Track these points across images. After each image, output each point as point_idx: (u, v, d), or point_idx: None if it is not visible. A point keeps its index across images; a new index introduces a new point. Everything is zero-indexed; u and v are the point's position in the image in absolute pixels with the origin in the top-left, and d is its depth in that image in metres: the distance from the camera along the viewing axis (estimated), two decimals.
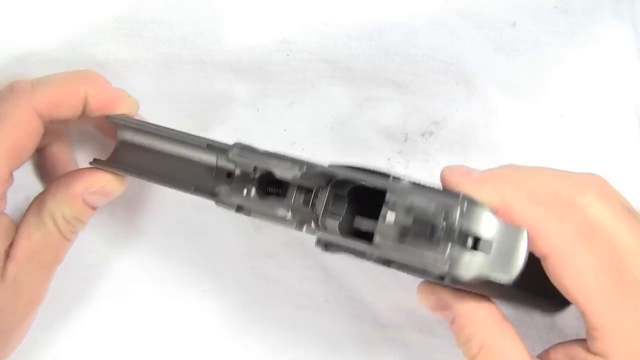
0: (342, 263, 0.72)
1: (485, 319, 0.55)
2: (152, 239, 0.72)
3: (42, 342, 0.72)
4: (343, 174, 0.53)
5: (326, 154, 0.72)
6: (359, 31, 0.70)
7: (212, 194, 0.57)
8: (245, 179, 0.57)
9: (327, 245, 0.53)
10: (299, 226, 0.55)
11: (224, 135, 0.69)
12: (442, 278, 0.50)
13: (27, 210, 0.62)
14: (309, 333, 0.72)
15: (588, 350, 0.55)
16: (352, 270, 0.72)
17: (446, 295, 0.57)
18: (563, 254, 0.52)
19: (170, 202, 0.72)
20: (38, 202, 0.62)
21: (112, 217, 0.72)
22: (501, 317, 0.56)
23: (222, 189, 0.57)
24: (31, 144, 0.61)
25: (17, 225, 0.62)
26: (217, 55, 0.70)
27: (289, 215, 0.55)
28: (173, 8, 0.69)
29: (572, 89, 0.71)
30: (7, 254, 0.61)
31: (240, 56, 0.70)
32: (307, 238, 0.71)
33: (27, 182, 0.70)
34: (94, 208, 0.63)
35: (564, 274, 0.53)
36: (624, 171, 0.71)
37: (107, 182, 0.63)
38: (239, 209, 0.56)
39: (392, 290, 0.71)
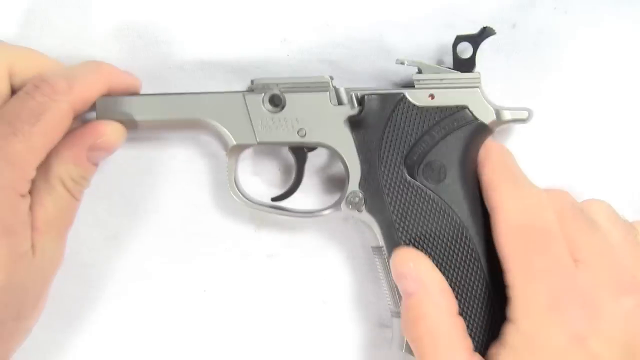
0: (342, 263, 0.72)
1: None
2: (152, 239, 0.72)
3: (42, 342, 0.72)
4: None
5: None
6: (359, 32, 0.70)
7: None
8: None
9: None
10: None
11: None
12: None
13: (35, 179, 0.62)
14: (309, 333, 0.72)
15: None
16: (352, 270, 0.72)
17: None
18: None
19: (170, 202, 0.72)
20: (44, 169, 0.62)
21: (112, 217, 0.72)
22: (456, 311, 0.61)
23: None
24: (59, 139, 0.62)
25: None
26: (217, 55, 0.70)
27: None
28: (173, 8, 0.69)
29: (572, 90, 0.71)
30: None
31: (240, 56, 0.70)
32: (307, 238, 0.72)
33: None
34: (96, 165, 0.64)
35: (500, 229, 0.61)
36: (624, 171, 0.71)
37: (109, 136, 0.64)
38: None
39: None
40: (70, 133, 0.63)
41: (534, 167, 0.70)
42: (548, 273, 0.59)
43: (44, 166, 0.62)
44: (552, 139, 0.71)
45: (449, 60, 0.68)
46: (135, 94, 0.67)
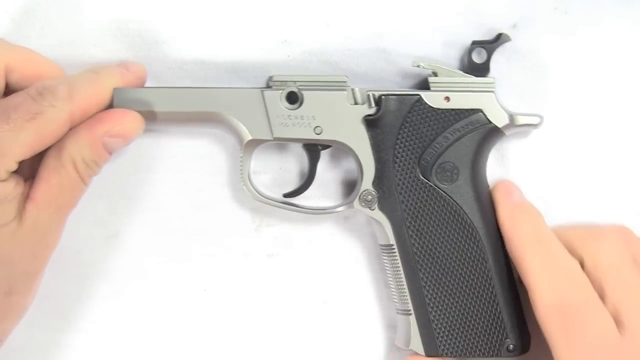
0: (342, 263, 0.73)
1: None
2: (152, 238, 0.72)
3: (42, 342, 0.71)
4: None
5: None
6: (360, 33, 0.70)
7: None
8: None
9: None
10: None
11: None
12: None
13: (47, 153, 0.62)
14: (309, 333, 0.72)
15: None
16: (353, 270, 0.73)
17: None
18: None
19: (170, 201, 0.72)
20: (58, 146, 0.62)
21: (112, 216, 0.71)
22: None
23: None
24: (50, 144, 0.62)
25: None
26: (217, 55, 0.70)
27: None
28: (173, 8, 0.69)
29: (573, 90, 0.71)
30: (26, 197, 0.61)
31: (240, 56, 0.70)
32: (307, 238, 0.72)
33: None
34: (110, 152, 0.64)
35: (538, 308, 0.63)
36: (624, 171, 0.72)
37: (127, 124, 0.64)
38: None
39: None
40: (89, 118, 0.63)
41: (533, 167, 0.72)
42: (591, 348, 0.61)
43: (59, 145, 0.62)
44: (552, 139, 0.72)
45: (448, 61, 0.70)
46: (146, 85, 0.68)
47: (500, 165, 0.71)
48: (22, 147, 0.59)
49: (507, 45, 0.69)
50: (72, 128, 0.62)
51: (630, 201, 0.71)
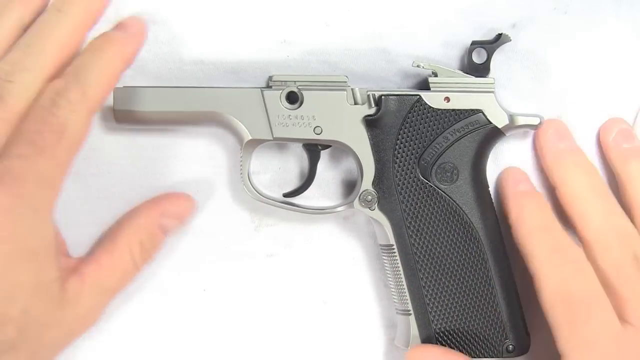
0: (342, 263, 0.73)
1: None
2: None
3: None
4: None
5: None
6: (360, 33, 0.70)
7: None
8: None
9: None
10: None
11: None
12: None
13: (104, 234, 0.63)
14: (309, 333, 0.73)
15: None
16: (353, 270, 0.73)
17: None
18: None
19: None
20: (114, 228, 0.63)
21: (113, 217, 0.71)
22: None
23: None
24: (81, 147, 0.61)
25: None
26: (217, 55, 0.70)
27: None
28: (173, 8, 0.69)
29: (572, 91, 0.71)
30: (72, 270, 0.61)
31: (240, 56, 0.70)
32: (307, 238, 0.72)
33: None
34: (165, 234, 0.66)
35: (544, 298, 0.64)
36: None
37: (182, 205, 0.67)
38: None
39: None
40: (144, 202, 0.66)
41: (532, 168, 0.72)
42: (595, 341, 0.62)
43: (115, 227, 0.63)
44: None
45: (448, 61, 0.70)
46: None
47: (499, 167, 0.71)
48: (62, 170, 0.59)
49: (507, 45, 0.69)
50: (129, 213, 0.64)
51: None
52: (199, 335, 0.72)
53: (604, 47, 0.71)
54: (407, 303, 0.67)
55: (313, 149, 0.68)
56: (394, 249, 0.67)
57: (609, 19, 0.71)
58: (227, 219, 0.72)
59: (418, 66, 0.67)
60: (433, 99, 0.66)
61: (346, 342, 0.73)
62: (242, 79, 0.70)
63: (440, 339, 0.66)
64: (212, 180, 0.72)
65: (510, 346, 0.66)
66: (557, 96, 0.71)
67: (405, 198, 0.66)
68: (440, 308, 0.66)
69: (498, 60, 0.70)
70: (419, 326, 0.67)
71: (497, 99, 0.67)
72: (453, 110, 0.66)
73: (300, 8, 0.70)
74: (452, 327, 0.66)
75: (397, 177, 0.66)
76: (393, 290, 0.68)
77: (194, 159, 0.72)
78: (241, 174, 0.68)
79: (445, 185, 0.66)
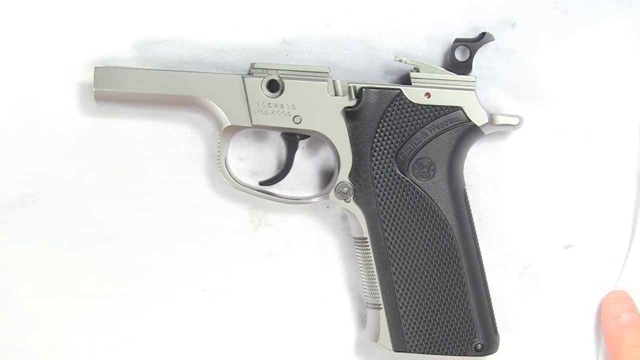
0: (342, 263, 0.72)
1: None
2: (151, 238, 0.72)
3: (42, 342, 0.71)
4: None
5: None
6: (359, 32, 0.70)
7: None
8: None
9: None
10: None
11: None
12: None
13: None
14: (309, 333, 0.72)
15: None
16: (352, 270, 0.72)
17: None
18: None
19: (169, 201, 0.72)
20: None
21: (112, 217, 0.72)
22: None
23: None
24: None
25: None
26: (217, 56, 0.70)
27: None
28: (173, 8, 0.70)
29: (572, 90, 0.71)
30: None
31: (240, 56, 0.70)
32: (307, 238, 0.72)
33: None
34: None
35: None
36: (624, 171, 0.72)
37: None
38: None
39: None
40: None
41: (532, 167, 0.72)
42: None
43: None
44: (551, 139, 0.72)
45: (447, 61, 0.69)
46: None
47: (498, 165, 0.71)
48: None
49: (506, 44, 0.69)
50: None
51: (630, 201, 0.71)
52: (199, 334, 0.72)
53: (604, 46, 0.71)
54: (378, 297, 0.66)
55: (291, 139, 0.68)
56: (367, 242, 0.66)
57: (608, 18, 0.71)
58: (226, 219, 0.72)
59: (400, 61, 0.67)
60: (414, 94, 0.66)
61: (345, 342, 0.72)
62: None
63: (409, 335, 0.65)
64: (211, 180, 0.72)
65: (479, 345, 0.65)
66: (556, 96, 0.71)
67: (381, 192, 0.66)
68: (410, 303, 0.66)
69: (498, 59, 0.70)
70: (388, 321, 0.66)
71: (477, 97, 0.66)
72: (433, 106, 0.66)
73: (300, 8, 0.70)
74: (422, 323, 0.66)
75: (374, 170, 0.66)
76: (365, 283, 0.68)
77: (193, 159, 0.72)
78: (218, 160, 0.68)
79: (421, 180, 0.66)
